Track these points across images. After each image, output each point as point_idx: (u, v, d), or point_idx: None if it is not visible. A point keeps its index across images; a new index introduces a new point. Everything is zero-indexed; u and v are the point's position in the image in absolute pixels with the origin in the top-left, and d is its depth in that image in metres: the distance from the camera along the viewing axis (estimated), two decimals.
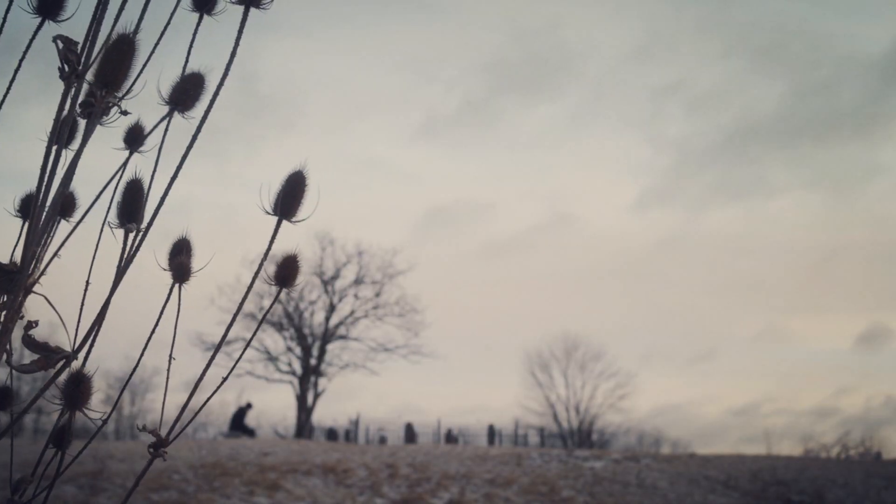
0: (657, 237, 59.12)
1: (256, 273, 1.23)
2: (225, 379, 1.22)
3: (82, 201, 1.26)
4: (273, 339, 31.87)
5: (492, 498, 13.81)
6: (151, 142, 1.28)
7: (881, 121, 58.81)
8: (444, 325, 60.80)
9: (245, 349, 1.21)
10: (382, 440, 31.30)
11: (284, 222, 1.24)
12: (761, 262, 57.44)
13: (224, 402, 37.82)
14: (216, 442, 21.32)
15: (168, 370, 1.26)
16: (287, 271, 1.19)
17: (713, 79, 58.08)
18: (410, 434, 31.56)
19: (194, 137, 1.19)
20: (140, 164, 1.24)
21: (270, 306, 1.23)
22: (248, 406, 27.65)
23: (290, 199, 1.21)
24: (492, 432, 33.23)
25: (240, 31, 1.18)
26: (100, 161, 1.26)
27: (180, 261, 1.24)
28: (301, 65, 57.74)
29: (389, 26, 58.13)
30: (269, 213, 1.22)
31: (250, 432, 27.10)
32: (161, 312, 1.25)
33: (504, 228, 59.08)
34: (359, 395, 65.45)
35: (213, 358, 1.22)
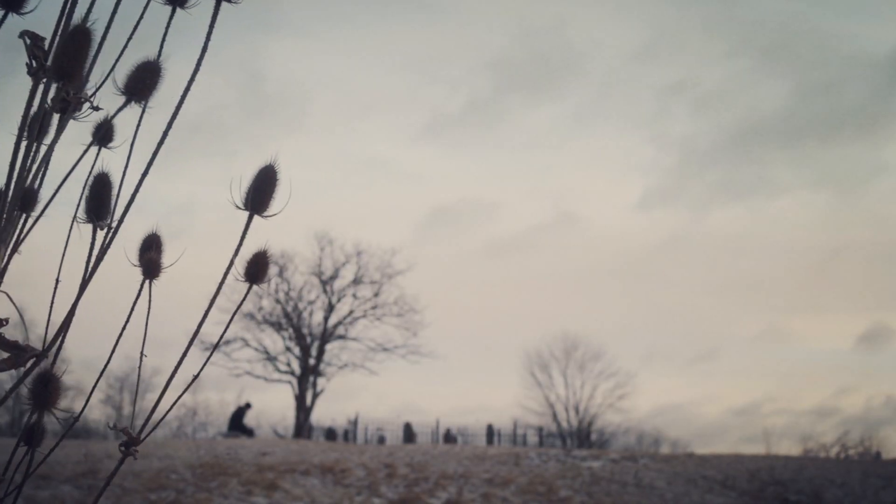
0: (660, 237, 59.13)
1: (228, 269, 1.22)
2: (196, 377, 1.20)
3: (60, 198, 1.25)
4: (272, 339, 31.88)
5: (489, 498, 13.79)
6: (129, 137, 1.26)
7: (885, 120, 58.78)
8: (445, 324, 60.76)
9: (217, 345, 1.19)
10: (381, 440, 31.27)
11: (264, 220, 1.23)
12: (763, 262, 57.47)
13: (224, 402, 37.85)
14: (214, 442, 21.31)
15: (139, 368, 1.25)
16: (257, 267, 1.18)
17: (717, 78, 58.08)
18: (409, 434, 31.52)
19: (165, 134, 1.18)
20: (133, 162, 1.23)
21: (241, 303, 1.22)
22: (248, 406, 27.63)
23: (260, 193, 1.20)
24: (490, 432, 33.20)
25: (211, 26, 1.17)
26: (89, 158, 1.25)
27: (150, 257, 1.23)
28: (306, 65, 57.81)
29: (394, 26, 58.15)
30: (239, 208, 1.21)
31: (249, 432, 27.08)
32: (132, 309, 1.24)
33: (507, 228, 59.13)
34: (359, 395, 65.45)
35: (183, 356, 1.21)
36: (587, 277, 57.46)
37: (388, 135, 57.50)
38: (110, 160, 1.25)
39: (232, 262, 1.23)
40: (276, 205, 1.23)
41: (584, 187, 59.19)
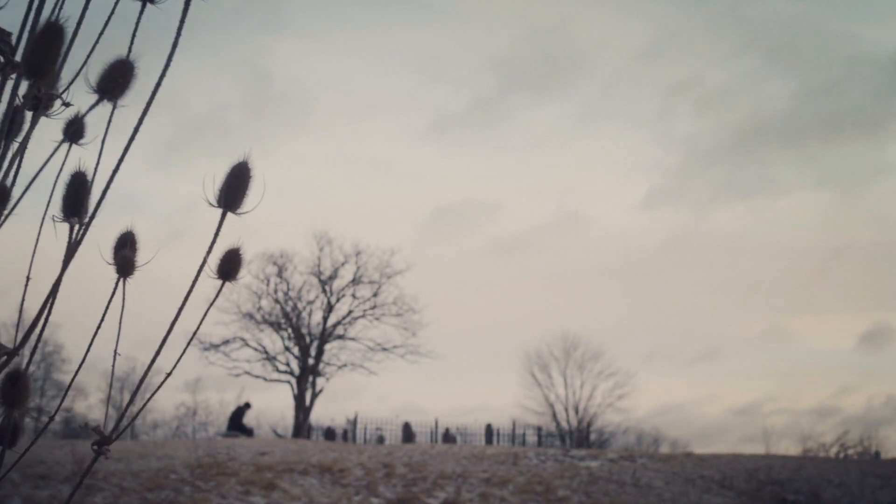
0: (662, 236, 59.13)
1: (201, 267, 1.21)
2: (168, 375, 1.20)
3: (42, 196, 1.24)
4: (271, 339, 31.86)
5: (487, 497, 13.78)
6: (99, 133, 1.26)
7: (887, 121, 58.72)
8: (447, 324, 60.56)
9: (190, 341, 1.19)
10: (380, 440, 31.27)
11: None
12: (766, 262, 57.46)
13: (224, 402, 37.82)
14: (213, 441, 21.30)
15: (113, 366, 1.24)
16: (230, 265, 1.18)
17: (721, 78, 58.10)
18: (408, 433, 31.53)
19: (136, 130, 1.17)
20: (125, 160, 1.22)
21: (214, 300, 1.21)
22: (247, 406, 27.55)
23: (234, 190, 1.19)
24: (489, 432, 33.22)
25: (181, 22, 1.16)
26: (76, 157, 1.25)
27: (124, 254, 1.23)
28: (311, 64, 57.85)
29: (398, 26, 58.17)
30: (212, 206, 1.20)
31: (249, 432, 27.02)
32: (107, 307, 1.23)
33: (510, 228, 59.11)
34: (361, 395, 65.50)
35: (156, 356, 1.20)
36: (589, 277, 57.49)
37: (392, 134, 57.58)
38: (101, 157, 1.25)
39: (205, 260, 1.22)
40: (250, 202, 1.22)
41: (588, 187, 59.22)
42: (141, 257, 1.26)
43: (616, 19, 59.97)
